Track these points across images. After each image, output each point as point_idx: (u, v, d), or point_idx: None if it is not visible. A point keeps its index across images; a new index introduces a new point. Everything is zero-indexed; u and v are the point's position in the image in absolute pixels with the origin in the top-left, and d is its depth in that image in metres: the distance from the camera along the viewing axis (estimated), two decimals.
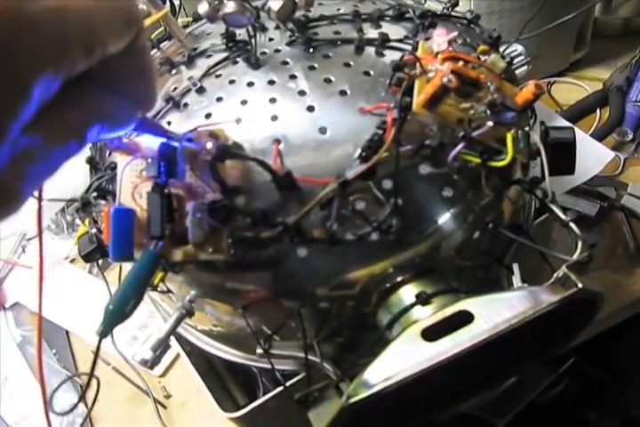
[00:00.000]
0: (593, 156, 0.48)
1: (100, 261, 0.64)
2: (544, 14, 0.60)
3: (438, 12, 0.41)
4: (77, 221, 0.64)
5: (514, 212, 0.41)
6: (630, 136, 0.64)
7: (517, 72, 0.46)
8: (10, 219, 0.57)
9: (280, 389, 0.39)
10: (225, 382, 0.51)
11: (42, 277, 0.34)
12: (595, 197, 0.59)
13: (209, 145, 0.31)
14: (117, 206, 0.32)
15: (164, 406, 0.54)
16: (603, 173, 0.62)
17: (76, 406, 0.52)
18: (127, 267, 0.49)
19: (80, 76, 0.19)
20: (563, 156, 0.40)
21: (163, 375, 0.56)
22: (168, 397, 0.55)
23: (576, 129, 0.50)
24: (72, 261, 0.65)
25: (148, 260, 0.30)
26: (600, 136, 0.62)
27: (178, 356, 0.56)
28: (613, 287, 0.55)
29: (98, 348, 0.31)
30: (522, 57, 0.47)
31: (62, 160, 0.21)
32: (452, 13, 0.42)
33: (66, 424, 0.54)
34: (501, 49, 0.47)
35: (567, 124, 0.51)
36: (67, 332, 0.60)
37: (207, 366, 0.49)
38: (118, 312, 0.31)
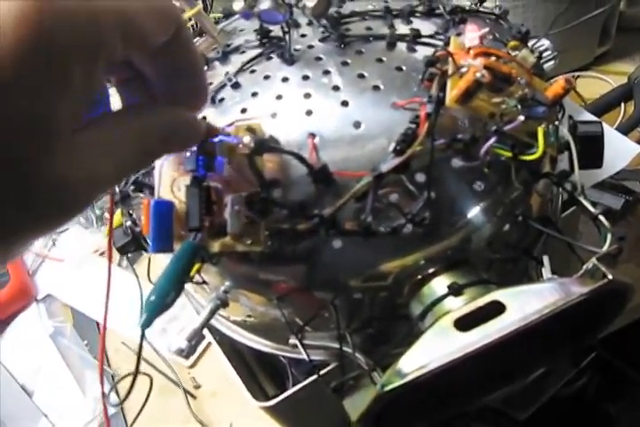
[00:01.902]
0: (619, 150, 0.48)
1: (130, 254, 0.66)
2: (569, 8, 0.61)
3: (467, 8, 0.42)
4: (106, 214, 0.65)
5: (542, 204, 0.42)
6: None
7: (545, 66, 0.47)
8: None
9: (313, 378, 0.40)
10: (254, 372, 0.51)
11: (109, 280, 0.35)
12: (619, 190, 0.59)
13: (246, 139, 0.32)
14: (157, 199, 0.33)
15: (194, 397, 0.55)
16: (628, 166, 0.62)
17: (126, 397, 0.53)
18: (157, 260, 0.50)
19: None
20: (590, 149, 0.40)
21: (192, 366, 0.57)
22: (198, 387, 0.56)
23: (603, 123, 0.51)
24: (102, 254, 0.66)
25: (187, 251, 0.31)
26: (625, 130, 0.62)
27: (206, 347, 0.57)
28: (637, 280, 0.55)
29: (142, 339, 0.32)
30: (549, 51, 0.47)
31: None
32: (481, 9, 0.43)
33: (98, 413, 0.55)
34: (530, 44, 0.47)
35: (593, 117, 0.51)
36: (97, 323, 0.62)
37: (237, 357, 0.50)
38: (159, 303, 0.31)
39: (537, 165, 0.37)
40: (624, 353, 0.91)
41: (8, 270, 0.64)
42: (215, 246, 0.32)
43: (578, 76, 0.72)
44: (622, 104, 0.67)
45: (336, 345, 0.39)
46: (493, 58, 0.32)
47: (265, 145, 0.32)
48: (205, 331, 0.47)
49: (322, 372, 0.37)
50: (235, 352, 0.51)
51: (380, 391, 0.30)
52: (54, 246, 0.68)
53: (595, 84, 0.70)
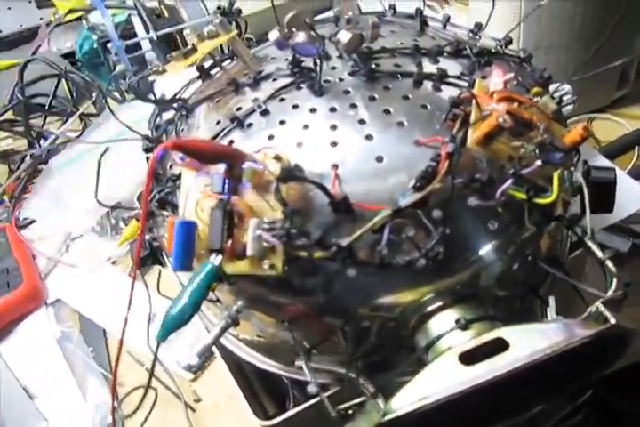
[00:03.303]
0: (630, 194, 0.49)
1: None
2: (589, 51, 0.62)
3: (492, 50, 0.43)
4: (121, 224, 0.66)
5: (551, 245, 0.42)
6: None
7: (564, 110, 0.48)
8: (57, 217, 0.59)
9: (316, 400, 0.40)
10: (255, 390, 0.52)
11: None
12: (628, 233, 0.60)
13: (273, 166, 0.33)
14: (182, 219, 0.35)
15: (194, 410, 0.56)
16: (638, 210, 0.63)
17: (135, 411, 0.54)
18: (167, 273, 0.51)
19: None
20: (602, 195, 0.41)
21: (194, 380, 0.58)
22: (198, 401, 0.56)
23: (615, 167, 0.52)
24: (114, 262, 0.67)
25: (208, 271, 0.33)
26: (637, 174, 0.63)
27: (210, 362, 0.58)
28: None
29: (156, 351, 0.33)
30: (569, 95, 0.49)
31: None
32: (506, 52, 0.44)
33: (98, 421, 0.56)
34: (551, 88, 0.49)
35: (607, 162, 0.53)
36: (103, 331, 0.63)
37: (239, 374, 0.51)
38: (178, 319, 0.33)
39: (550, 208, 0.38)
40: (622, 392, 0.91)
41: (21, 272, 0.65)
42: (234, 268, 0.34)
43: (594, 119, 0.73)
44: (636, 148, 0.68)
45: (341, 370, 0.40)
46: (516, 103, 0.34)
47: (290, 173, 0.33)
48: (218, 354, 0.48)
49: (325, 394, 0.38)
50: (237, 369, 0.51)
51: (382, 420, 0.31)
52: (67, 252, 0.69)
53: (610, 127, 0.72)
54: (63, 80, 0.82)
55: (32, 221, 0.72)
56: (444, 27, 0.47)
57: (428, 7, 0.63)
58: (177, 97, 0.46)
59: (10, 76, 0.84)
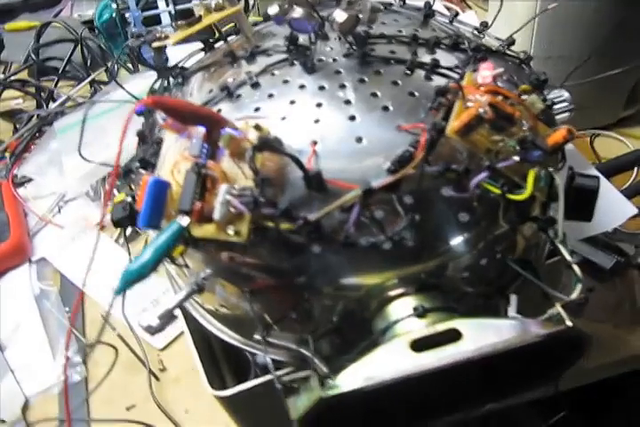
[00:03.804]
0: (616, 209, 0.49)
1: (129, 233, 0.67)
2: (599, 66, 0.62)
3: (494, 48, 0.43)
4: (115, 191, 0.67)
5: (526, 248, 0.42)
6: None
7: (559, 117, 0.48)
8: (53, 179, 0.60)
9: (268, 377, 0.40)
10: (219, 365, 0.53)
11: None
12: (613, 251, 0.60)
13: (252, 135, 0.34)
14: (156, 177, 0.35)
15: (158, 379, 0.56)
16: (627, 229, 0.63)
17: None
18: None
19: None
20: (583, 202, 0.41)
21: (163, 350, 0.58)
22: (163, 370, 0.57)
23: (604, 180, 0.52)
24: (102, 228, 0.68)
25: (173, 230, 0.33)
26: (630, 193, 0.63)
27: (180, 335, 0.58)
28: (613, 340, 0.56)
29: (111, 303, 0.34)
30: (566, 103, 0.48)
31: None
32: (507, 51, 0.44)
33: (63, 380, 0.56)
34: (547, 92, 0.49)
35: (596, 172, 0.52)
36: (82, 293, 0.63)
37: (205, 347, 0.51)
38: (137, 274, 0.33)
39: (526, 208, 0.38)
40: (592, 418, 0.91)
41: (10, 227, 0.66)
42: (200, 232, 0.34)
43: (598, 135, 0.73)
44: (636, 169, 0.68)
45: (297, 347, 0.40)
46: (500, 97, 0.34)
47: (267, 143, 0.34)
48: (181, 318, 0.48)
49: (278, 372, 0.38)
50: (204, 342, 0.52)
51: (322, 395, 0.32)
52: (59, 213, 0.70)
53: (613, 145, 0.71)
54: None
55: (29, 180, 0.73)
56: (451, 22, 0.47)
57: (446, 9, 0.63)
58: (178, 66, 0.47)
59: (29, 38, 0.85)
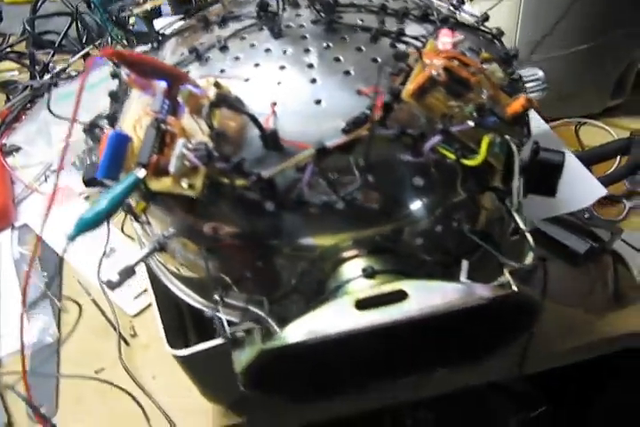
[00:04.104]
0: (587, 189, 0.49)
1: None
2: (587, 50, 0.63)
3: (466, 23, 0.44)
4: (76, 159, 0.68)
5: (488, 221, 0.43)
6: None
7: (532, 95, 0.48)
8: (42, 148, 0.61)
9: (221, 340, 0.41)
10: (187, 331, 0.53)
11: None
12: (589, 236, 0.60)
13: (210, 92, 0.34)
14: (118, 131, 0.36)
15: (128, 344, 0.57)
16: (604, 216, 0.63)
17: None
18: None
19: None
20: (547, 177, 0.42)
21: (135, 316, 0.59)
22: (134, 336, 0.58)
23: (575, 161, 0.52)
24: (86, 198, 0.69)
25: (129, 181, 0.34)
26: (611, 180, 0.63)
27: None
28: (582, 324, 0.56)
29: (64, 250, 0.34)
30: (539, 82, 0.49)
31: None
32: (480, 26, 0.44)
33: (35, 342, 0.57)
34: (524, 71, 0.49)
35: (573, 158, 0.53)
36: (61, 259, 0.64)
37: (173, 311, 0.52)
38: (90, 221, 0.34)
39: (485, 177, 0.39)
40: (572, 415, 0.92)
41: None
42: (155, 184, 0.35)
43: (584, 123, 0.73)
44: (618, 158, 0.68)
45: (254, 309, 0.40)
46: (457, 62, 0.34)
47: (225, 100, 0.34)
48: (148, 282, 0.49)
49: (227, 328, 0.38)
50: (174, 309, 0.52)
51: (261, 349, 0.32)
52: (45, 182, 0.71)
53: (598, 134, 0.71)
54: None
55: (18, 149, 0.74)
56: None
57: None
58: (155, 32, 0.47)
59: (28, 11, 0.86)
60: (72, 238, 0.34)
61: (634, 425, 0.84)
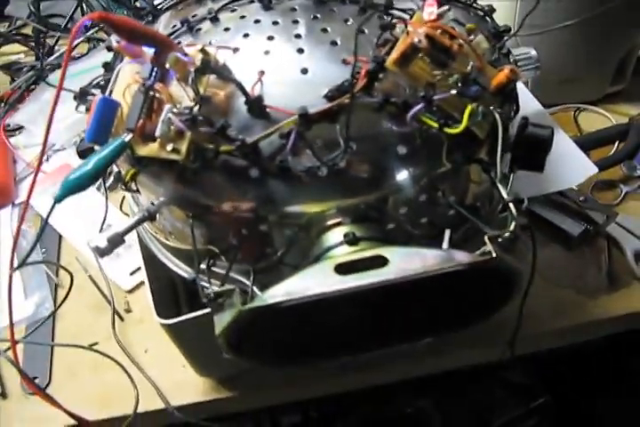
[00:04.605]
0: (578, 167, 0.49)
1: (109, 183, 0.69)
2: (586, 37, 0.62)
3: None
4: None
5: (475, 195, 0.43)
6: (639, 172, 0.64)
7: (525, 73, 0.49)
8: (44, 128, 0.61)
9: (207, 310, 0.41)
10: (179, 302, 0.54)
11: None
12: (583, 219, 0.60)
13: (197, 58, 0.35)
14: (106, 96, 0.36)
15: (122, 319, 0.58)
16: (601, 200, 0.63)
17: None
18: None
19: None
20: (535, 152, 0.42)
21: (130, 292, 0.60)
22: (128, 311, 0.58)
23: (567, 140, 0.52)
24: None
25: (116, 145, 0.34)
26: (607, 164, 0.63)
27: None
28: (572, 306, 0.56)
29: (49, 212, 0.35)
30: (531, 61, 0.49)
31: None
32: (471, 3, 0.45)
33: (32, 313, 0.58)
34: (517, 50, 0.49)
35: (566, 137, 0.53)
36: (60, 236, 0.65)
37: (169, 291, 0.53)
38: (76, 183, 0.35)
39: (470, 150, 0.39)
40: (572, 402, 0.92)
41: None
42: (142, 150, 0.35)
43: (583, 109, 0.73)
44: (617, 143, 0.68)
45: (239, 277, 0.41)
46: (440, 31, 0.35)
47: (210, 67, 0.35)
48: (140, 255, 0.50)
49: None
50: (167, 285, 0.53)
51: (239, 310, 0.33)
52: (47, 162, 0.72)
53: (597, 121, 0.71)
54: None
55: (20, 128, 0.75)
56: None
57: None
58: (152, 6, 0.48)
59: None
60: (59, 200, 0.35)
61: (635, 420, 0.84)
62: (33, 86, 0.78)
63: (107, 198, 0.59)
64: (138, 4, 0.62)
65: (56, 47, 0.84)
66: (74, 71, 0.75)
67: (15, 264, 0.44)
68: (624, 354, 0.84)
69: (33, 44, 0.85)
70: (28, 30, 0.89)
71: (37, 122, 0.73)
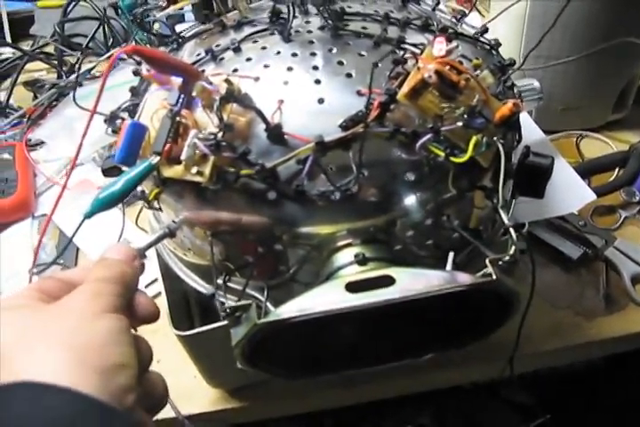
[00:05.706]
0: (577, 194, 0.52)
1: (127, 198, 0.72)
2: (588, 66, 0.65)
3: (465, 33, 0.47)
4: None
5: (479, 220, 0.45)
6: (637, 198, 0.67)
7: (527, 104, 0.51)
8: (65, 144, 0.65)
9: (224, 323, 0.43)
10: (193, 318, 0.56)
11: None
12: (582, 243, 0.62)
13: (222, 88, 0.37)
14: (136, 121, 0.39)
15: (135, 330, 0.60)
16: (600, 224, 0.65)
17: None
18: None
19: None
20: (535, 179, 0.44)
21: None
22: None
23: (567, 167, 0.55)
24: None
25: (144, 166, 0.37)
26: (607, 190, 0.65)
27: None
28: (569, 327, 0.58)
29: (77, 228, 0.38)
30: (534, 92, 0.52)
31: None
32: (478, 37, 0.47)
33: None
34: (521, 81, 0.52)
35: (566, 165, 0.55)
36: (77, 249, 0.67)
37: (180, 296, 0.55)
38: (106, 201, 0.37)
39: (475, 177, 0.41)
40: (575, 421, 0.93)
41: (18, 184, 0.71)
42: (169, 172, 0.38)
43: (586, 136, 0.75)
44: (617, 170, 0.70)
45: (253, 293, 0.43)
46: (448, 67, 0.37)
47: (234, 96, 0.37)
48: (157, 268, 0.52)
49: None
50: (181, 299, 0.55)
51: (254, 323, 0.35)
52: (66, 176, 0.75)
53: (598, 147, 0.74)
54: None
55: (42, 143, 0.78)
56: (433, 10, 0.50)
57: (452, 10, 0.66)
58: (176, 34, 0.51)
59: (58, 15, 0.91)
60: (88, 216, 0.37)
61: None
62: (54, 103, 0.81)
63: (124, 213, 0.62)
64: (157, 26, 0.65)
65: (77, 65, 0.87)
66: (94, 89, 0.78)
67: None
68: (623, 374, 0.86)
69: (55, 62, 0.88)
70: (50, 48, 0.92)
71: (58, 137, 0.76)
